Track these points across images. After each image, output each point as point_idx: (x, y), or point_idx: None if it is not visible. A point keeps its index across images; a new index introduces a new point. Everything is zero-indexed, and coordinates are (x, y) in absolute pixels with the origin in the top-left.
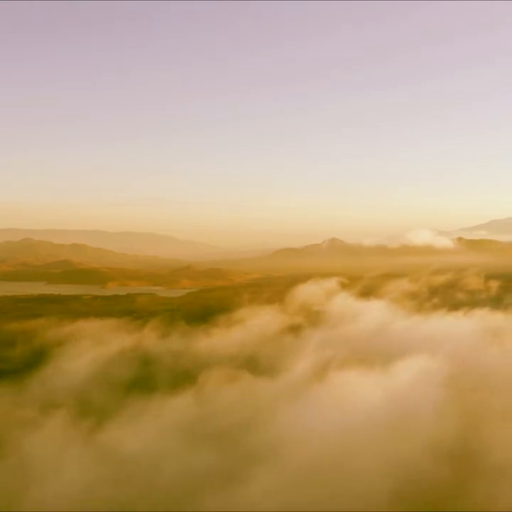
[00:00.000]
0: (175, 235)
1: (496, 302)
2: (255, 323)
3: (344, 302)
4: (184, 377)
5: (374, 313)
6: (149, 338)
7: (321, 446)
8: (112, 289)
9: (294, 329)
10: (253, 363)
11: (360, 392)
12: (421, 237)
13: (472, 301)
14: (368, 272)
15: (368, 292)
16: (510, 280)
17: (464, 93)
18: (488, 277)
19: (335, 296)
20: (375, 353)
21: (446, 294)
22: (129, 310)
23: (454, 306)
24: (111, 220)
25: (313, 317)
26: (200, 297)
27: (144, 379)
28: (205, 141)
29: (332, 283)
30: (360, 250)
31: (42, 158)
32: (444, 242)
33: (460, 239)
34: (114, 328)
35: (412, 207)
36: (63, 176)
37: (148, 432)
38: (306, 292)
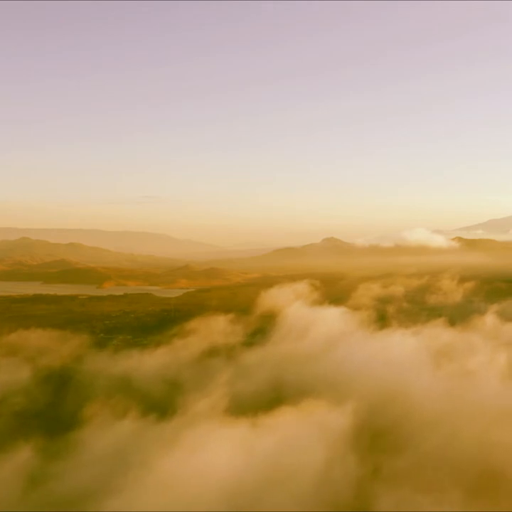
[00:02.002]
0: (172, 234)
1: (467, 312)
2: (189, 341)
3: (299, 311)
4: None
5: (323, 327)
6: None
7: None
8: (108, 289)
9: (224, 350)
10: (149, 397)
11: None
12: (418, 237)
13: (436, 312)
14: (359, 272)
15: (334, 297)
16: (498, 283)
17: (463, 92)
18: (475, 279)
19: (295, 303)
20: (292, 388)
21: (412, 301)
22: (125, 311)
23: (414, 317)
24: (108, 219)
25: (258, 331)
26: (197, 297)
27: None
28: (202, 140)
29: (302, 287)
30: (357, 249)
31: (39, 158)
32: (442, 242)
33: (458, 238)
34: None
35: (411, 206)
36: (60, 175)
37: None
38: (271, 298)
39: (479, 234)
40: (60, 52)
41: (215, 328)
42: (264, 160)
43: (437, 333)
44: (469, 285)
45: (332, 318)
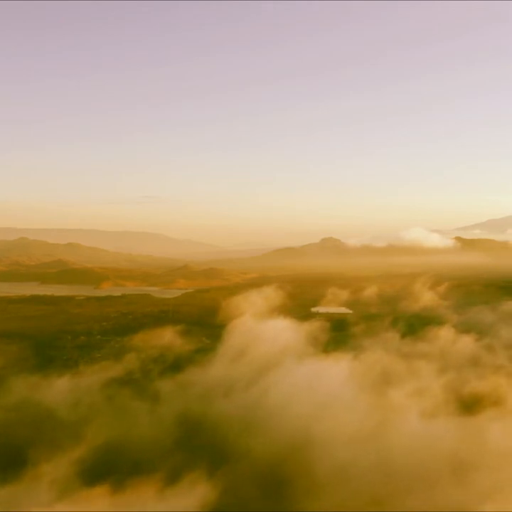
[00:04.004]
0: (171, 234)
1: (428, 321)
2: (107, 364)
3: (246, 325)
4: None
5: (265, 346)
6: None
7: None
8: (106, 290)
9: (142, 375)
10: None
11: None
12: (415, 237)
13: (395, 321)
14: (350, 273)
15: (296, 305)
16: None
17: (463, 92)
18: (458, 282)
19: (245, 315)
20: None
21: (377, 308)
22: (122, 312)
23: (367, 330)
24: (107, 219)
25: (201, 349)
26: (196, 298)
27: None
28: (202, 140)
29: (268, 293)
30: (355, 250)
31: (39, 158)
32: (440, 241)
33: (456, 238)
34: None
35: (411, 206)
36: (60, 175)
37: None
38: (228, 307)
39: (477, 234)
40: (60, 52)
41: (156, 343)
42: (264, 160)
43: (378, 357)
44: (446, 289)
45: (278, 333)
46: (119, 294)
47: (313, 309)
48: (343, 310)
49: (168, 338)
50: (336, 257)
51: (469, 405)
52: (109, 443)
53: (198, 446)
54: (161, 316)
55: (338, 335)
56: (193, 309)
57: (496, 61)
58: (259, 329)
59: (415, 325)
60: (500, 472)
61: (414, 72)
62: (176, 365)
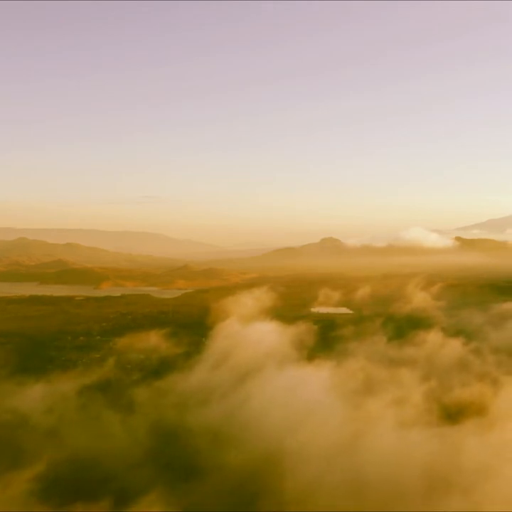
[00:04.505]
0: (171, 234)
1: (418, 324)
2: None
3: (231, 328)
4: None
5: (247, 351)
6: None
7: None
8: (105, 290)
9: (117, 382)
10: None
11: None
12: (415, 237)
13: (385, 324)
14: (349, 273)
15: (287, 307)
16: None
17: (463, 92)
18: (454, 282)
19: (231, 318)
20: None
21: (368, 309)
22: (122, 312)
23: (355, 333)
24: (107, 219)
25: (183, 354)
26: (195, 298)
27: None
28: (202, 140)
29: (259, 294)
30: (354, 250)
31: (39, 158)
32: (439, 241)
33: (456, 238)
34: None
35: (411, 206)
36: (60, 175)
37: None
38: (217, 309)
39: (477, 233)
40: (60, 52)
41: (141, 347)
42: (264, 160)
43: (361, 364)
44: (440, 289)
45: (263, 337)
46: (118, 294)
47: (313, 309)
48: (344, 310)
49: (154, 341)
50: (336, 257)
51: (451, 415)
52: (72, 457)
53: (169, 459)
54: (160, 316)
55: (325, 338)
56: (192, 310)
57: (496, 61)
58: (245, 333)
59: (404, 327)
60: (472, 492)
61: (414, 72)
62: (156, 370)
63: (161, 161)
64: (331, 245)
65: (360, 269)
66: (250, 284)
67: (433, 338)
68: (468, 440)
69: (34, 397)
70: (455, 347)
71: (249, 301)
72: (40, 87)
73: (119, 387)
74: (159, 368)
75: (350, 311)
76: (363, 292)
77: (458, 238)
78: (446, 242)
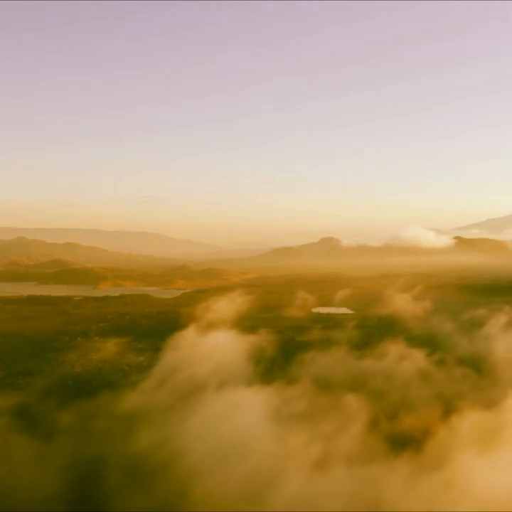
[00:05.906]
0: (171, 234)
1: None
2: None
3: (188, 338)
4: None
5: (194, 367)
6: None
7: None
8: (104, 290)
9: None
10: None
11: None
12: (414, 236)
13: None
14: (343, 273)
15: (259, 312)
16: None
17: (463, 92)
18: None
19: (191, 326)
20: None
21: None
22: (120, 312)
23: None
24: (107, 218)
25: (138, 366)
26: (195, 298)
27: None
28: (202, 140)
29: (233, 298)
30: (354, 249)
31: (39, 158)
32: (439, 241)
33: (455, 237)
34: None
35: (411, 206)
36: (60, 175)
37: None
38: (186, 316)
39: (477, 233)
40: (60, 52)
41: (94, 357)
42: (264, 160)
43: (307, 385)
44: (423, 291)
45: (215, 349)
46: (117, 294)
47: (314, 310)
48: (344, 310)
49: (113, 350)
50: (333, 257)
51: (391, 448)
52: None
53: (80, 501)
54: (159, 316)
55: (285, 349)
56: (189, 310)
57: (496, 61)
58: (200, 343)
59: (372, 335)
60: None
61: (414, 72)
62: (93, 387)
63: (161, 161)
64: (330, 245)
65: (359, 268)
66: (250, 284)
67: (395, 348)
68: (395, 480)
69: None
70: (417, 359)
71: (221, 306)
72: (40, 87)
73: (42, 409)
74: (99, 384)
75: (342, 312)
76: (343, 294)
77: (457, 238)
78: (445, 241)
